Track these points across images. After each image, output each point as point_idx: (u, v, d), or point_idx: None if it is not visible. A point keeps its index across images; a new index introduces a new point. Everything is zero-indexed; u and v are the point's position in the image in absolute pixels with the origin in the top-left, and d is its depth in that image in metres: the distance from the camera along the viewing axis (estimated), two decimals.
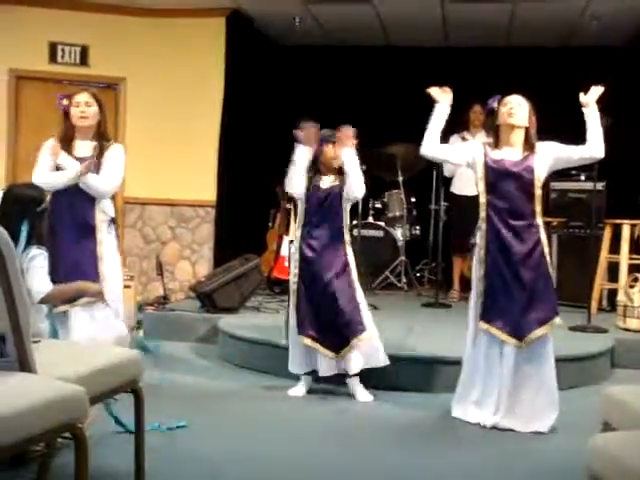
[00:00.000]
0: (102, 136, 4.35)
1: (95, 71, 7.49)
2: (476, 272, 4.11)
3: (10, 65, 7.29)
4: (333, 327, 4.35)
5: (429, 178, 7.45)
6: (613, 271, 6.44)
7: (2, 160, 7.32)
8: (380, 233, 7.71)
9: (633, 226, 6.47)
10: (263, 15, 7.62)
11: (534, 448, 3.67)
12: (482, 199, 4.11)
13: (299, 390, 4.50)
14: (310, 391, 4.51)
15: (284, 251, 7.49)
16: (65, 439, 2.36)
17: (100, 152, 4.29)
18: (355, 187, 4.46)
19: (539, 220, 4.03)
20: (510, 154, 4.08)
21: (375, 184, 7.89)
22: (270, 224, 8.00)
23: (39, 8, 7.24)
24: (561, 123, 7.97)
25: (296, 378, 4.56)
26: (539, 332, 3.89)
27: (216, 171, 7.56)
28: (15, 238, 3.13)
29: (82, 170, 4.11)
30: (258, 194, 8.04)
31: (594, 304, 6.34)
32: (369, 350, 4.42)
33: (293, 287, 4.48)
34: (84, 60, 7.45)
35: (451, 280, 7.37)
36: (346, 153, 4.51)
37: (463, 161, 4.21)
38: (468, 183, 6.95)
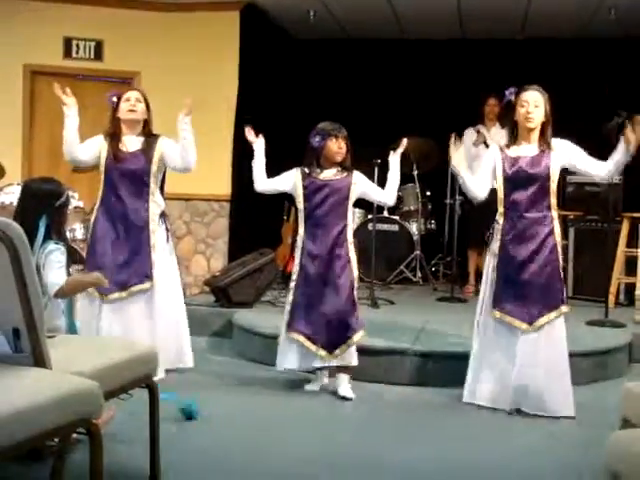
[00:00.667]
0: (149, 133, 4.65)
1: (109, 66, 7.49)
2: (488, 264, 4.22)
3: (25, 60, 7.31)
4: (329, 327, 4.30)
5: (444, 172, 7.39)
6: (630, 265, 6.37)
7: (18, 155, 7.34)
8: (395, 227, 7.68)
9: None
10: (277, 8, 7.59)
11: (551, 443, 3.64)
12: (500, 195, 4.22)
13: (315, 385, 4.48)
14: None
15: None
16: (80, 434, 2.35)
17: (148, 145, 4.58)
18: (389, 196, 4.52)
19: (554, 212, 4.16)
20: (527, 150, 4.19)
21: None
22: (285, 218, 7.98)
23: (53, 3, 7.25)
24: (577, 115, 7.95)
25: (311, 372, 4.54)
26: (547, 317, 4.02)
27: (231, 165, 7.54)
28: (33, 233, 3.13)
29: None
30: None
31: (611, 298, 6.28)
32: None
33: (292, 284, 4.45)
34: (98, 55, 7.45)
35: (466, 275, 7.33)
36: (395, 160, 4.55)
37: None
38: None
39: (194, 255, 7.71)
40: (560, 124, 8.18)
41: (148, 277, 4.49)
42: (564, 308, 4.08)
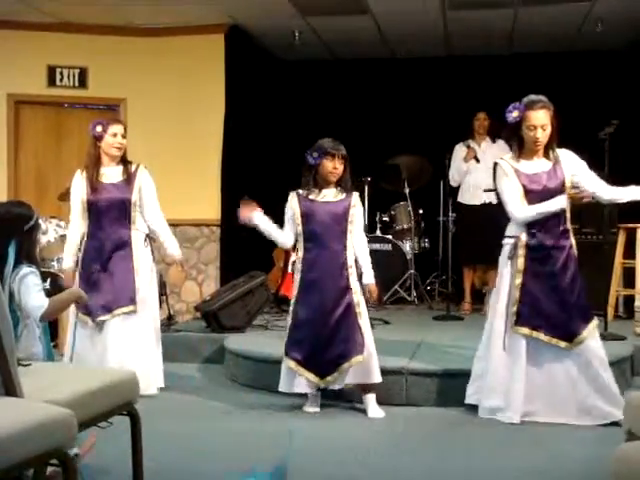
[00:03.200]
0: (126, 161, 4.76)
1: (94, 93, 7.42)
2: (509, 280, 4.13)
3: (9, 90, 7.24)
4: (325, 353, 4.21)
5: (436, 189, 7.33)
6: (628, 277, 6.29)
7: (4, 185, 7.25)
8: (388, 246, 7.57)
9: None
10: (262, 30, 7.55)
11: (557, 456, 3.52)
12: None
13: (314, 406, 4.36)
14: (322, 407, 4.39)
15: (291, 268, 7.38)
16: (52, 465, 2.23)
17: (129, 176, 4.70)
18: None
19: (569, 225, 4.17)
20: (541, 165, 4.19)
21: (382, 197, 7.80)
22: None
23: (36, 31, 7.18)
24: (568, 127, 7.90)
25: (305, 396, 4.42)
26: (586, 332, 4.04)
27: (220, 189, 7.45)
28: (3, 258, 3.04)
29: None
30: (264, 211, 7.91)
31: (610, 311, 6.17)
32: (362, 369, 4.26)
33: (290, 308, 4.38)
34: (83, 82, 7.38)
35: (462, 292, 7.22)
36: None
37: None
38: (475, 193, 6.86)
39: (185, 281, 7.59)
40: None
41: (132, 300, 4.60)
42: (595, 319, 4.14)
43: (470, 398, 4.28)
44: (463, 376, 4.37)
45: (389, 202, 7.76)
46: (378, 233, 7.62)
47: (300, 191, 4.36)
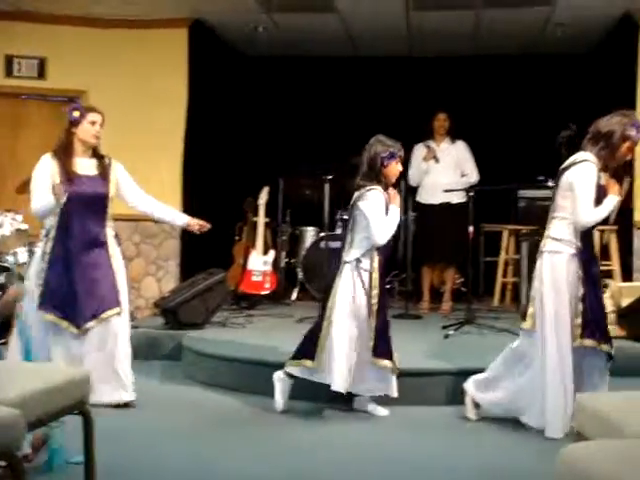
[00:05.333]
0: (99, 155, 4.48)
1: (54, 84, 7.30)
2: (572, 292, 3.92)
3: None
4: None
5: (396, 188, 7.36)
6: None
7: None
8: None
9: (602, 232, 6.43)
10: (226, 25, 7.50)
11: (508, 454, 3.57)
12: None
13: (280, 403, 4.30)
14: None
15: (251, 265, 7.37)
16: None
17: (104, 169, 4.43)
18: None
19: None
20: None
21: (342, 195, 7.80)
22: (237, 238, 7.87)
23: None
24: (527, 128, 8.00)
25: (265, 394, 4.41)
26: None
27: (181, 185, 7.40)
28: None
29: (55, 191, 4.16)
30: (224, 208, 7.90)
31: None
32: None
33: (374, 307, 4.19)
34: (42, 73, 7.25)
35: (421, 291, 7.27)
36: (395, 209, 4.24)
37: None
38: (434, 192, 6.91)
39: (145, 277, 7.53)
40: (512, 138, 8.28)
41: (117, 302, 4.37)
42: None
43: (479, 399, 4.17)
44: (420, 375, 4.40)
45: (350, 200, 7.76)
46: (338, 231, 7.63)
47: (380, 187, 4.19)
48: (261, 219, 7.46)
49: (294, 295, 7.66)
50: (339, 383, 4.05)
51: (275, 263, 7.52)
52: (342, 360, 4.07)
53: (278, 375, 4.30)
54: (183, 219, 4.75)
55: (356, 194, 4.24)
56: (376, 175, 4.17)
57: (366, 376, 4.18)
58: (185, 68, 7.38)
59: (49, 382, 2.51)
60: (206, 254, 7.37)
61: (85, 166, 4.40)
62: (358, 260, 4.17)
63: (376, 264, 4.17)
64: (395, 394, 4.20)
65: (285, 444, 3.76)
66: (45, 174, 4.29)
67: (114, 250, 4.44)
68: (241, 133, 8.35)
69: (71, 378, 2.63)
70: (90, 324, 4.29)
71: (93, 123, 4.36)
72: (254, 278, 7.33)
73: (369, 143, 4.26)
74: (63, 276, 4.30)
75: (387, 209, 4.15)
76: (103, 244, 4.38)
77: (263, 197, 7.48)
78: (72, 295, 4.28)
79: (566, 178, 3.98)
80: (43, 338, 4.25)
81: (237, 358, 4.93)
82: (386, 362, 4.15)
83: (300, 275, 7.60)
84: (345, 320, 4.12)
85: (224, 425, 4.09)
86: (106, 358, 4.31)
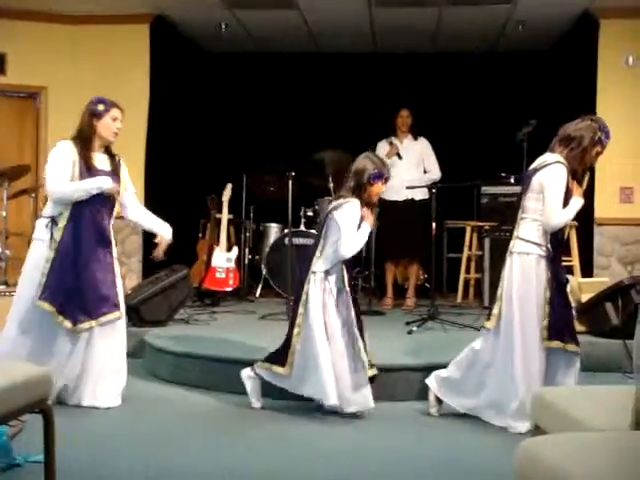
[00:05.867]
0: (110, 150, 4.38)
1: (13, 80, 7.24)
2: (540, 294, 3.94)
3: None
4: None
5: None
6: None
7: None
8: (311, 241, 7.57)
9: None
10: (188, 21, 7.48)
11: (472, 449, 3.61)
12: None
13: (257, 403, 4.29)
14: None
15: (215, 262, 7.35)
16: None
17: (115, 166, 4.35)
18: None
19: None
20: None
21: (306, 191, 7.82)
22: (200, 234, 7.84)
23: None
24: (488, 125, 8.09)
25: (229, 391, 4.43)
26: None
27: (143, 181, 7.35)
28: None
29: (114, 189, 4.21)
30: (187, 204, 7.87)
31: None
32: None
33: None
34: (1, 69, 7.19)
35: (384, 287, 7.30)
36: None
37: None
38: (397, 189, 6.93)
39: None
40: (473, 134, 8.35)
41: (116, 306, 4.26)
42: None
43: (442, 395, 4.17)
44: (385, 371, 4.41)
45: (313, 197, 7.79)
46: (302, 228, 7.64)
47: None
48: (224, 216, 7.43)
49: (258, 292, 7.66)
50: (332, 397, 4.01)
51: (239, 260, 7.51)
52: (328, 372, 4.02)
53: (247, 373, 4.29)
54: (165, 233, 4.62)
55: (333, 203, 4.24)
56: (360, 190, 4.17)
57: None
58: (147, 64, 7.35)
59: (8, 380, 2.47)
60: (169, 251, 7.32)
61: (100, 161, 4.29)
62: (327, 273, 4.17)
63: (346, 280, 4.18)
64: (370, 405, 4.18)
65: (249, 440, 3.76)
66: (66, 160, 4.16)
67: (115, 249, 4.38)
68: (204, 130, 8.32)
69: (31, 376, 2.59)
70: (86, 324, 4.16)
71: (115, 119, 4.25)
72: (218, 275, 7.31)
73: (358, 158, 4.26)
74: (69, 269, 4.16)
75: (359, 225, 4.16)
76: (109, 244, 4.29)
77: (226, 194, 7.45)
78: (74, 291, 4.15)
79: (537, 180, 4.00)
80: (37, 328, 4.13)
81: (200, 355, 4.91)
82: (374, 371, 4.15)
83: (264, 272, 7.59)
84: (318, 332, 4.09)
85: (187, 422, 4.07)
86: (98, 360, 4.21)
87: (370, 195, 4.18)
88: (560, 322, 3.97)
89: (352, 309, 4.19)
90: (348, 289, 4.19)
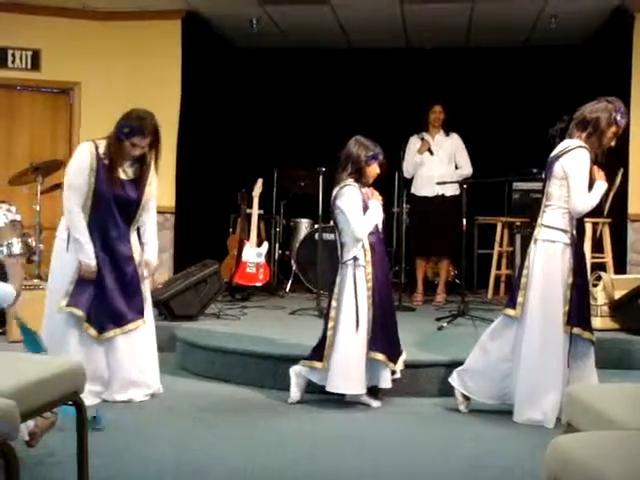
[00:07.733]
0: (143, 161, 4.30)
1: (47, 76, 7.31)
2: (562, 279, 3.95)
3: None
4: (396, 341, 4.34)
5: (390, 180, 7.35)
6: None
7: None
8: None
9: (595, 224, 6.44)
10: (219, 17, 7.50)
11: (499, 445, 3.59)
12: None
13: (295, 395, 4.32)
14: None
15: (245, 257, 7.37)
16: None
17: (142, 175, 4.29)
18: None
19: None
20: None
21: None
22: (231, 230, 7.88)
23: None
24: (521, 120, 8.02)
25: (259, 385, 4.47)
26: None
27: (175, 177, 7.40)
28: None
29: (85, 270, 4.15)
30: (218, 199, 7.91)
31: None
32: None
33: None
34: (36, 65, 7.26)
35: (415, 283, 7.28)
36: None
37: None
38: (428, 185, 6.92)
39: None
40: (506, 130, 8.28)
41: (140, 313, 4.30)
42: None
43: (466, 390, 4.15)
44: (414, 367, 4.41)
45: None
46: (332, 223, 7.62)
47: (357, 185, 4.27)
48: (255, 211, 7.45)
49: (288, 287, 7.67)
50: (357, 387, 4.15)
51: (269, 255, 7.53)
52: (359, 364, 4.14)
53: (295, 370, 4.33)
54: (153, 258, 4.43)
55: (334, 193, 4.33)
56: (357, 174, 4.25)
57: None
58: (179, 60, 7.39)
59: (43, 373, 2.51)
60: (200, 246, 7.38)
61: (126, 167, 4.27)
62: (355, 258, 4.23)
63: (369, 258, 4.21)
64: (387, 385, 4.22)
65: (279, 434, 3.78)
66: (83, 171, 4.15)
67: (140, 258, 4.33)
68: (235, 125, 8.34)
69: (64, 369, 2.63)
70: (111, 333, 4.20)
71: (134, 146, 4.17)
72: (248, 270, 7.33)
73: (349, 143, 4.31)
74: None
75: (365, 206, 4.23)
76: (131, 250, 4.28)
77: (257, 189, 7.47)
78: (100, 298, 4.19)
79: (560, 166, 4.00)
80: (63, 333, 4.14)
81: (231, 349, 4.94)
82: (379, 356, 4.17)
83: (294, 267, 7.61)
84: (352, 323, 4.16)
85: (217, 415, 4.10)
86: (125, 364, 4.26)
87: (367, 177, 4.29)
88: (580, 309, 3.98)
89: (381, 286, 4.26)
90: (372, 267, 4.22)
